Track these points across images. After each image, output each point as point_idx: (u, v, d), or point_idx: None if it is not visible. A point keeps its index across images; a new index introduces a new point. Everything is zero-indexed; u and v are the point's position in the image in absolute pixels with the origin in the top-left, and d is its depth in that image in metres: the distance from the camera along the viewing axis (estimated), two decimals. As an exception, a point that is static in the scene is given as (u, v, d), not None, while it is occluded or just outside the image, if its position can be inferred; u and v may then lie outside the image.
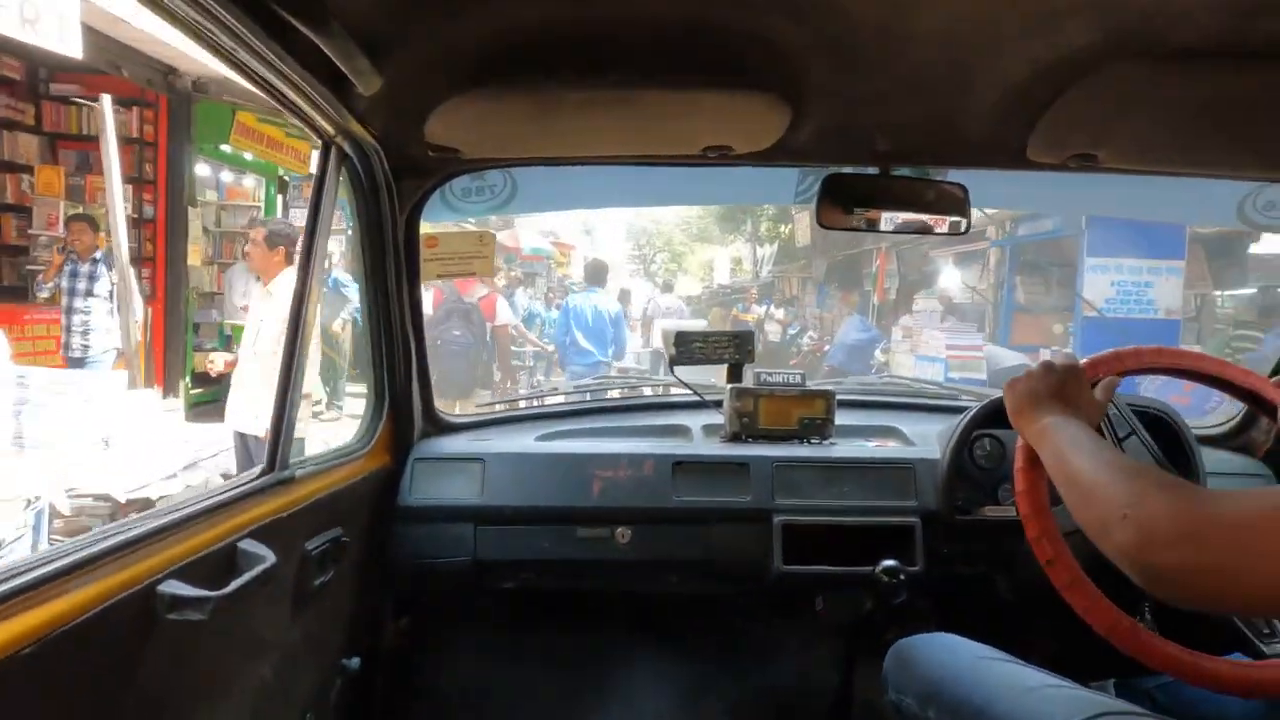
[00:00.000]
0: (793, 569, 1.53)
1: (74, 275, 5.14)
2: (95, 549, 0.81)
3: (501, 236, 12.54)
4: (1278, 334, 5.91)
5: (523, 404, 2.08)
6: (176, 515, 0.94)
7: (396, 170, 1.44)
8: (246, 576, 0.96)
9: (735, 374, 1.80)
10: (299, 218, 8.24)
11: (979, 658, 1.14)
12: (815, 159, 1.52)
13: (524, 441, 1.72)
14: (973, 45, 1.06)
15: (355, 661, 1.47)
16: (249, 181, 7.93)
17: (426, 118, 1.23)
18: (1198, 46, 1.00)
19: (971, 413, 1.57)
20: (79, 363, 5.09)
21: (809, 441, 1.71)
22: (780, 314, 13.30)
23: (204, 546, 0.95)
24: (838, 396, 1.74)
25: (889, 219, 1.47)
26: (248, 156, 7.13)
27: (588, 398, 2.15)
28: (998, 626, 1.34)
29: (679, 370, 1.79)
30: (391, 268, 1.52)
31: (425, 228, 1.59)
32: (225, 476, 3.71)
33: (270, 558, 1.01)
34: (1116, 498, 0.76)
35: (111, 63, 5.39)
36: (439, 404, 1.75)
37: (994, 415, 1.55)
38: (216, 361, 3.83)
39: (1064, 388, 1.00)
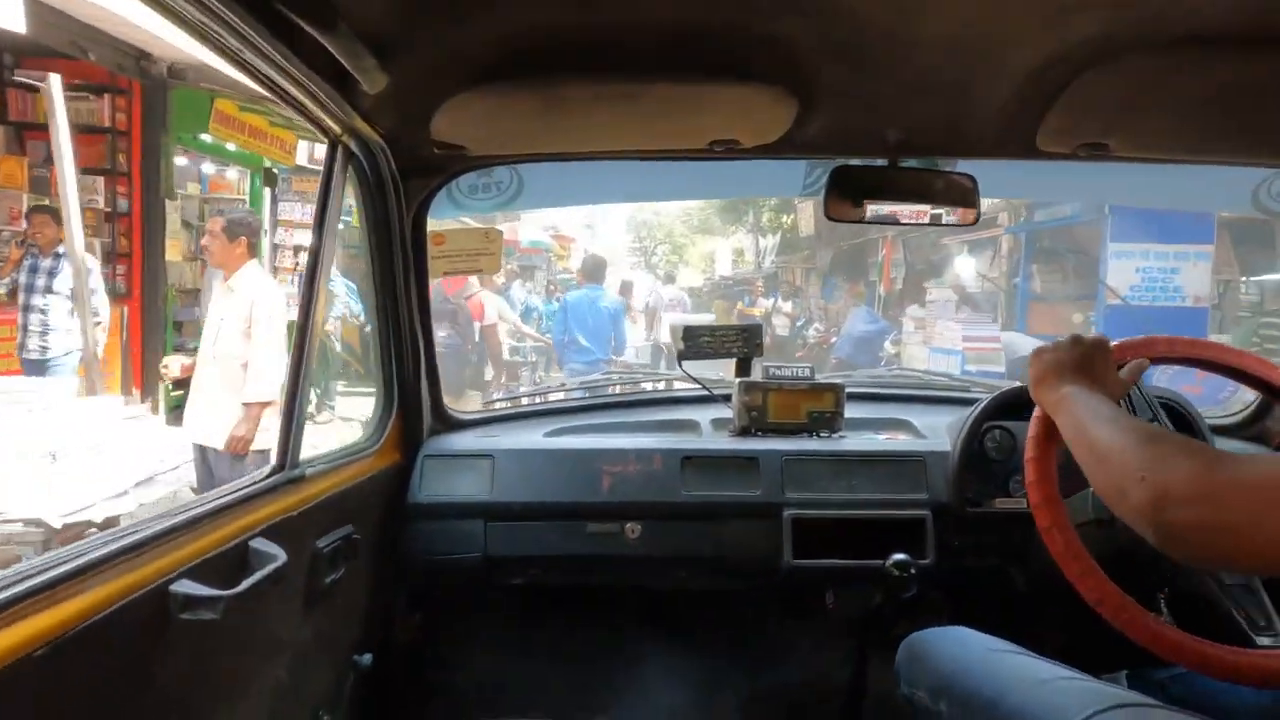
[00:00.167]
0: (803, 563, 1.59)
1: (34, 271, 4.93)
2: (108, 549, 0.85)
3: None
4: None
5: (525, 401, 2.15)
6: (188, 515, 0.99)
7: (403, 168, 1.50)
8: (258, 575, 1.01)
9: (743, 368, 1.87)
10: (287, 212, 8.28)
11: (991, 650, 1.18)
12: (822, 151, 1.58)
13: (533, 437, 1.79)
14: (983, 38, 1.11)
15: (368, 658, 1.52)
16: (233, 174, 7.86)
17: (432, 115, 1.29)
18: (1208, 34, 1.04)
19: (982, 404, 1.63)
20: (37, 366, 4.90)
21: (818, 435, 1.77)
22: (788, 307, 13.32)
23: (216, 546, 1.00)
24: (847, 389, 1.80)
25: (897, 211, 1.53)
26: (230, 147, 7.08)
27: (596, 393, 2.21)
28: (1009, 619, 1.39)
29: (687, 365, 1.86)
30: (399, 266, 1.58)
31: (432, 225, 1.65)
32: (194, 490, 3.58)
33: (281, 556, 1.06)
34: (1134, 461, 0.81)
35: (76, 45, 5.16)
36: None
37: (1005, 407, 1.62)
38: (172, 366, 3.63)
39: (1090, 362, 1.04)
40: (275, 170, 8.01)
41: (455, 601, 1.82)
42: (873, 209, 1.50)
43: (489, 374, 7.98)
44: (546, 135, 1.48)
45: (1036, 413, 1.11)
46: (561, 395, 2.38)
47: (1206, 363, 1.22)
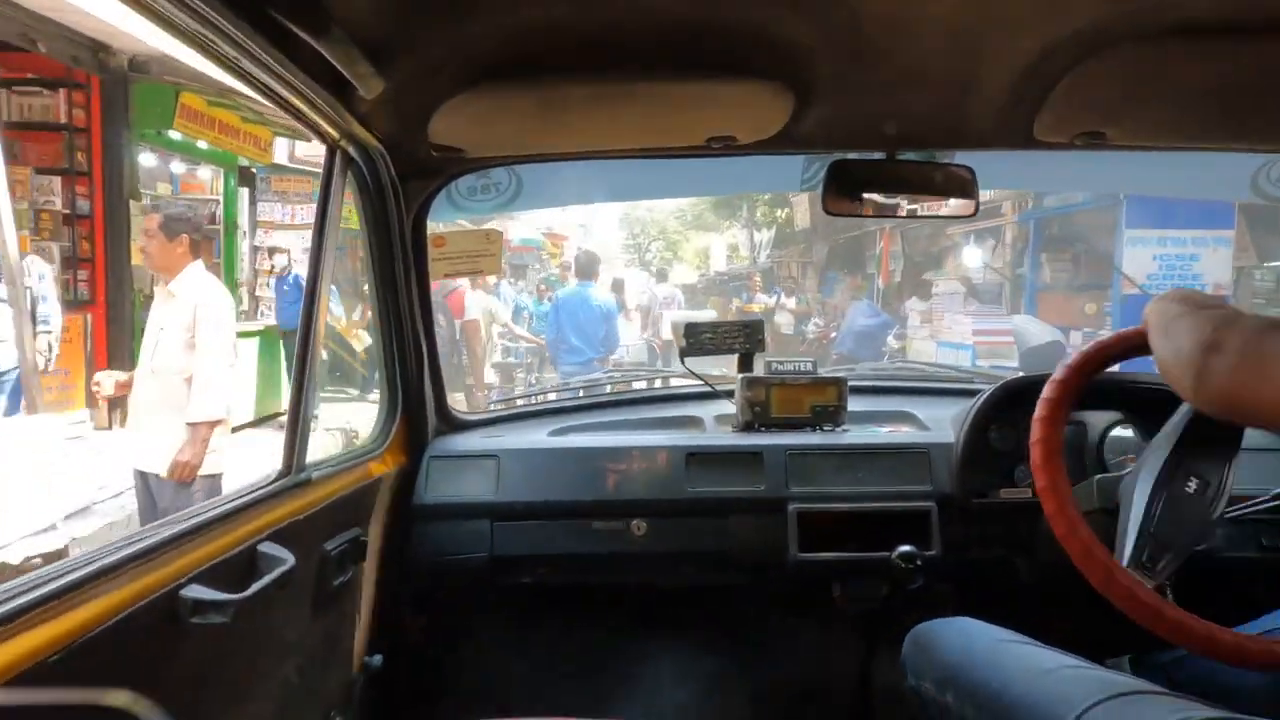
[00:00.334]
0: (809, 557, 1.67)
1: None
2: (119, 555, 0.89)
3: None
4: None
5: (520, 401, 2.23)
6: (197, 520, 1.05)
7: (402, 172, 1.56)
8: (267, 579, 1.07)
9: (746, 363, 1.95)
10: (267, 213, 8.27)
11: (996, 641, 1.24)
12: (820, 146, 1.65)
13: (537, 437, 1.87)
14: (979, 29, 1.17)
15: (377, 659, 1.60)
16: (205, 173, 7.80)
17: (430, 118, 1.35)
18: (1205, 22, 1.08)
19: (985, 395, 1.71)
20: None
21: (822, 429, 1.85)
22: (793, 304, 13.11)
23: (224, 550, 1.04)
24: (849, 383, 1.88)
25: (896, 204, 1.61)
26: (201, 145, 7.04)
27: (599, 392, 2.30)
28: (1015, 609, 1.45)
29: (689, 361, 1.94)
30: (400, 269, 1.65)
31: (431, 227, 1.73)
32: (142, 520, 3.21)
33: (290, 559, 1.12)
34: None
35: (24, 36, 5.10)
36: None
37: (1008, 398, 1.69)
38: (104, 384, 3.18)
39: (1212, 299, 0.93)
40: (253, 169, 7.96)
41: (463, 601, 1.89)
42: (871, 202, 1.57)
43: (487, 375, 8.01)
44: (544, 135, 1.55)
45: (1044, 394, 1.15)
46: (565, 394, 2.46)
47: None
